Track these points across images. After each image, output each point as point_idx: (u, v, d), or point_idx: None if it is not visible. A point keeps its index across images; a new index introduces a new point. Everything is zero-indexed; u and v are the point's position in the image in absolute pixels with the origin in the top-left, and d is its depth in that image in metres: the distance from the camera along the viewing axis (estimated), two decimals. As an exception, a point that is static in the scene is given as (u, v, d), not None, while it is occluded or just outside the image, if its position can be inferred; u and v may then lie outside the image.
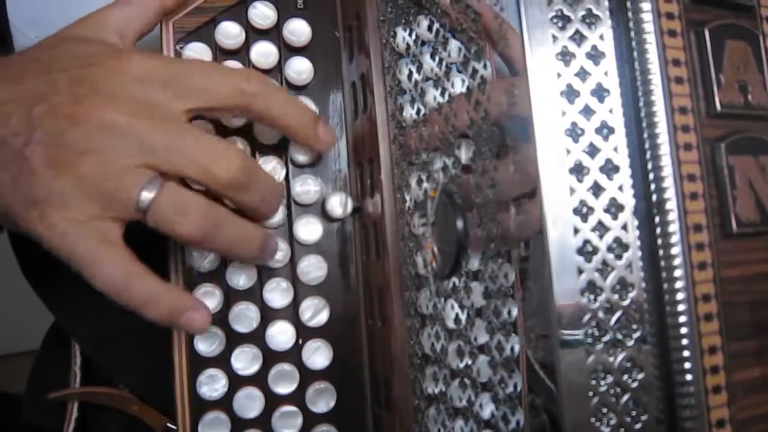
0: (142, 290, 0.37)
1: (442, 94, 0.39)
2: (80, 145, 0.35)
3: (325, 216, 0.46)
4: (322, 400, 0.45)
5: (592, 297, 0.29)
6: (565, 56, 0.30)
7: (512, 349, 0.34)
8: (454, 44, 0.38)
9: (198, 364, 0.44)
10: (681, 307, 0.29)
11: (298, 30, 0.47)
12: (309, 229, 0.46)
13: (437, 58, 0.39)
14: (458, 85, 0.37)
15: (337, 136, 0.47)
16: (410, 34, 0.41)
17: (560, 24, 0.30)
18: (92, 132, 0.35)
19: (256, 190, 0.39)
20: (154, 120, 0.36)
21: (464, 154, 0.37)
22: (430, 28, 0.40)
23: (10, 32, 0.49)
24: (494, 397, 0.35)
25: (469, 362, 0.37)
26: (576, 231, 0.30)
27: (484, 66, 0.35)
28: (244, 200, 0.39)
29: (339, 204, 0.46)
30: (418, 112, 0.41)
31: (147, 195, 0.36)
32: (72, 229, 0.35)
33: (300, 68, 0.47)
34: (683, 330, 0.28)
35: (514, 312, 0.33)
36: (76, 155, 0.35)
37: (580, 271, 0.29)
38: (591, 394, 0.29)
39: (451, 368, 0.38)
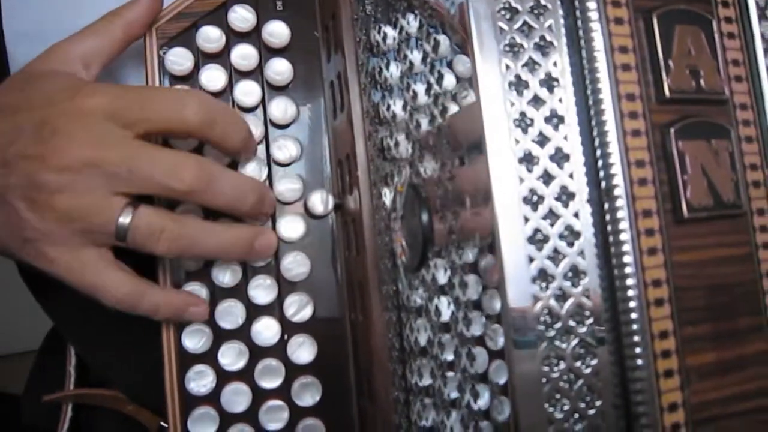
0: (150, 303, 0.42)
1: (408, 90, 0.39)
2: (51, 186, 0.38)
3: (307, 213, 0.47)
4: (308, 394, 0.46)
5: (543, 284, 0.30)
6: (514, 48, 0.31)
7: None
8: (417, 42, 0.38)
9: (186, 360, 0.45)
10: (631, 293, 0.29)
11: (278, 32, 0.48)
12: (292, 227, 0.47)
13: (403, 55, 0.40)
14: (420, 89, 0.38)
15: (322, 133, 0.48)
16: (379, 32, 0.42)
17: (508, 16, 0.31)
18: (59, 172, 0.38)
19: (221, 191, 0.40)
20: (111, 150, 0.39)
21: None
22: (395, 25, 0.40)
23: (5, 46, 0.51)
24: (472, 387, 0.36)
25: (450, 356, 0.37)
26: (526, 220, 0.30)
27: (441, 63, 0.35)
28: (214, 203, 0.41)
29: (320, 201, 0.47)
30: (388, 108, 0.42)
31: (123, 222, 0.39)
32: (73, 260, 0.40)
33: (280, 69, 0.48)
34: (633, 315, 0.29)
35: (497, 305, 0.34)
36: (51, 196, 0.38)
37: (531, 259, 0.30)
38: (544, 380, 0.29)
39: (429, 360, 0.39)
